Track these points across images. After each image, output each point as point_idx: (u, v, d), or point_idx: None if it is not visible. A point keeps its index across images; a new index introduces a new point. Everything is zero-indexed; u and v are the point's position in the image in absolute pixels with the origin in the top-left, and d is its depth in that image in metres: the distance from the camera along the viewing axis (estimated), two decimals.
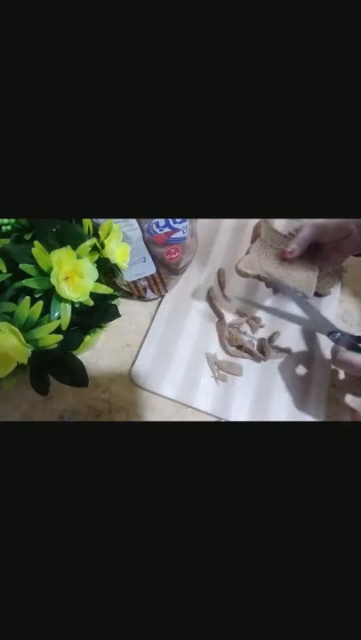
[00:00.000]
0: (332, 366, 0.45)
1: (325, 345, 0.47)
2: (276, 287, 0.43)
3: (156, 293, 0.46)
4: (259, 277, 0.42)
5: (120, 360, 0.44)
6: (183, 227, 0.42)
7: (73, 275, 0.29)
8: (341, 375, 0.45)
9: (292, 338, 0.47)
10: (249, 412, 0.41)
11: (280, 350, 0.46)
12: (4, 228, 0.32)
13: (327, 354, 0.46)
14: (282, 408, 0.42)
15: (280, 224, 0.54)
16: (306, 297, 0.42)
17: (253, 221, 0.55)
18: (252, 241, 0.49)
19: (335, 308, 0.49)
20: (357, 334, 0.40)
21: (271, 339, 0.46)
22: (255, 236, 0.49)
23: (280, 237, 0.47)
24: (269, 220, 0.49)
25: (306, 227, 0.43)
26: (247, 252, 0.45)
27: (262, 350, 0.45)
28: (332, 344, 0.40)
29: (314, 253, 0.44)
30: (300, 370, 0.45)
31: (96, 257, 0.33)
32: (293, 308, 0.42)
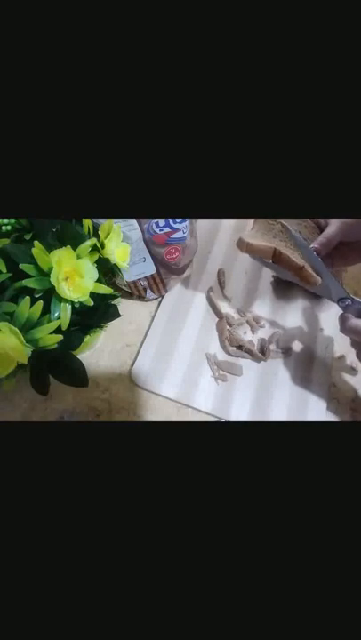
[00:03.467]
0: (347, 336, 0.41)
1: (325, 345, 0.47)
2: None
3: (156, 293, 0.46)
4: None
5: (120, 360, 0.44)
6: (183, 227, 0.42)
7: (73, 275, 0.29)
8: (341, 375, 0.45)
9: (292, 338, 0.47)
10: (249, 412, 0.41)
11: (280, 350, 0.46)
12: (4, 227, 0.32)
13: (327, 354, 0.46)
14: (282, 408, 0.42)
15: None
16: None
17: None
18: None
19: (335, 306, 0.49)
20: None
21: (271, 339, 0.46)
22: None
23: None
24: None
25: (332, 224, 0.40)
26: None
27: (262, 350, 0.45)
28: (340, 313, 0.39)
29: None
30: (300, 370, 0.45)
31: (96, 257, 0.33)
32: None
